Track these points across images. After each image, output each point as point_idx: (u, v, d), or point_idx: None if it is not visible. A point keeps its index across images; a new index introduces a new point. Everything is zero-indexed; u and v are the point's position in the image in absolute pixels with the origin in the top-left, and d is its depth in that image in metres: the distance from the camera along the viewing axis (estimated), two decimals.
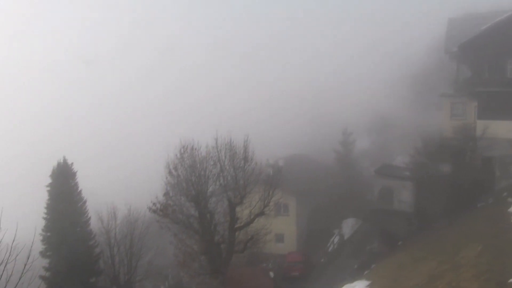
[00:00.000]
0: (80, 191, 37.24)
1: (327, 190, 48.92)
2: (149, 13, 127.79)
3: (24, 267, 18.64)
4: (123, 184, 60.28)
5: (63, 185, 36.22)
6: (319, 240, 47.22)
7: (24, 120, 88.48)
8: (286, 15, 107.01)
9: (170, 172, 31.17)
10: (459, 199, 31.14)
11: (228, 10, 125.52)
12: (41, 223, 35.45)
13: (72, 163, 36.96)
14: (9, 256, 17.85)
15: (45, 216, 35.85)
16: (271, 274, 42.25)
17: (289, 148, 57.34)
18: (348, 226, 47.02)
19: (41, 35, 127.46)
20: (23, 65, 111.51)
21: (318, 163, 56.40)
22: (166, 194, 31.51)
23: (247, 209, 32.81)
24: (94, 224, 36.94)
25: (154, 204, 31.35)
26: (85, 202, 37.37)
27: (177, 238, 33.18)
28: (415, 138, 39.37)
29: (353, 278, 30.37)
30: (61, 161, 36.74)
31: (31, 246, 19.78)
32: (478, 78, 36.62)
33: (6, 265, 17.82)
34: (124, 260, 36.13)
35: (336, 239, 46.59)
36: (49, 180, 36.25)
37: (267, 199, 32.83)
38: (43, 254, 34.73)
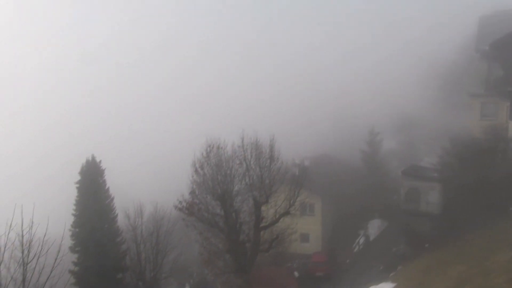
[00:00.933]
0: (108, 188, 37.75)
1: (353, 190, 48.44)
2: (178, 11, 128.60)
3: (55, 261, 19.19)
4: (150, 182, 61.01)
5: (92, 182, 36.74)
6: (344, 241, 46.87)
7: (56, 119, 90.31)
8: (313, 14, 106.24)
9: (196, 171, 31.38)
10: (489, 201, 30.44)
11: (249, 6, 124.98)
12: (71, 219, 36.08)
13: (100, 161, 37.48)
14: (41, 249, 18.43)
15: (74, 212, 36.47)
16: (296, 274, 42.24)
17: (315, 147, 57.04)
18: (374, 227, 46.56)
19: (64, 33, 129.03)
20: (52, 62, 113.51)
21: (344, 163, 55.94)
22: (192, 192, 31.73)
23: (273, 209, 32.82)
24: (121, 221, 37.42)
25: (180, 202, 31.63)
26: (112, 199, 37.86)
27: (202, 236, 33.41)
28: (443, 139, 38.72)
29: (378, 279, 30.11)
30: (90, 158, 37.28)
31: (61, 241, 20.33)
32: (511, 77, 35.75)
33: (38, 258, 18.37)
34: (150, 257, 36.49)
35: (361, 240, 46.20)
36: (78, 177, 36.83)
37: (293, 198, 32.77)
38: (72, 249, 35.37)
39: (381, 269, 35.18)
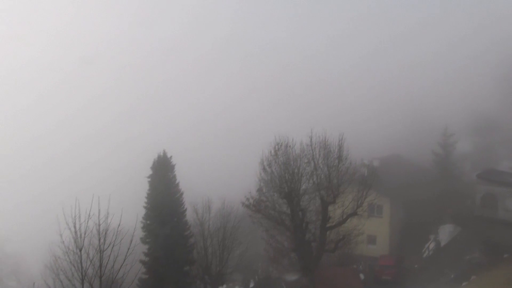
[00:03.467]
0: (178, 183, 38.65)
1: (424, 193, 46.79)
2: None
3: (128, 250, 20.15)
4: (218, 178, 62.03)
5: (163, 176, 37.76)
6: (413, 245, 45.38)
7: (131, 115, 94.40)
8: (385, 14, 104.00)
9: (264, 169, 31.56)
10: None
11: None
12: (142, 211, 37.33)
13: (171, 156, 38.47)
14: (115, 238, 19.42)
15: (145, 205, 37.68)
16: (362, 276, 41.45)
17: (385, 148, 55.75)
18: (446, 233, 44.74)
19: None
20: (128, 59, 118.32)
21: (415, 164, 54.21)
22: (259, 190, 31.95)
23: (340, 209, 32.39)
24: (189, 216, 38.22)
25: (247, 199, 31.97)
26: (182, 194, 38.74)
27: (268, 234, 33.58)
28: None
29: None
30: (161, 153, 38.36)
31: (133, 232, 21.27)
32: None
33: (113, 246, 19.36)
34: (216, 252, 37.02)
35: (431, 245, 44.58)
36: (150, 172, 37.99)
37: (361, 199, 32.21)
38: (143, 240, 36.54)
39: (452, 278, 33.84)
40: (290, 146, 31.56)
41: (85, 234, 19.41)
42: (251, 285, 45.09)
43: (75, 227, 19.34)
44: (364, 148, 48.98)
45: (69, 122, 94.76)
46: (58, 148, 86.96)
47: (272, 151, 31.69)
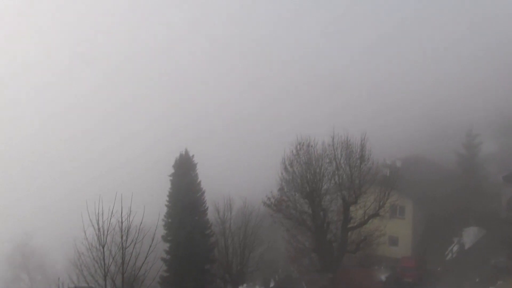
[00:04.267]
0: (200, 182, 38.84)
1: (447, 194, 46.09)
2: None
3: (149, 248, 20.40)
4: (240, 177, 62.23)
5: (184, 175, 37.99)
6: (436, 247, 44.72)
7: (154, 114, 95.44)
8: (407, 14, 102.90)
9: (285, 168, 31.60)
10: None
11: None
12: (164, 209, 37.66)
13: (193, 155, 38.69)
14: (137, 236, 19.69)
15: (167, 203, 37.99)
16: (383, 277, 41.07)
17: (408, 148, 55.04)
18: (470, 235, 43.94)
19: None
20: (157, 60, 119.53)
21: (439, 165, 53.41)
22: (280, 189, 32.01)
23: (361, 209, 32.21)
24: (210, 214, 38.37)
25: (268, 198, 32.06)
26: (203, 192, 38.91)
27: (289, 234, 33.59)
28: None
29: None
30: (183, 153, 38.61)
31: (155, 230, 21.50)
32: None
33: (135, 243, 19.63)
34: (237, 251, 37.08)
35: (455, 247, 43.85)
36: (172, 171, 38.29)
37: (383, 200, 32.00)
38: (164, 238, 36.82)
39: (477, 282, 33.26)
40: (312, 146, 31.56)
41: (108, 231, 19.70)
42: (272, 284, 45.11)
43: (98, 224, 19.64)
44: (386, 148, 48.53)
45: (94, 124, 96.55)
46: (84, 148, 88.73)
47: (294, 151, 31.73)
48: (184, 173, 37.99)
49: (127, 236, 19.91)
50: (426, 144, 57.31)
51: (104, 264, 19.81)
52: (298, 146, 31.52)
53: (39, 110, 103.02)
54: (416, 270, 40.69)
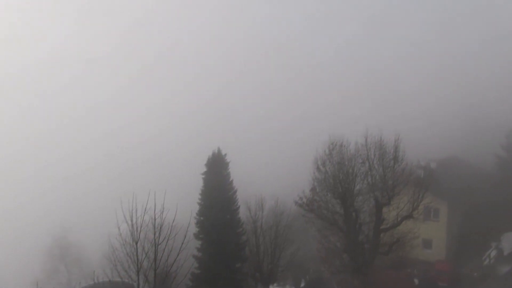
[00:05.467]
0: (232, 181, 38.99)
1: (485, 198, 44.87)
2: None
3: (181, 245, 20.67)
4: (272, 177, 62.26)
5: (216, 174, 38.19)
6: (472, 252, 43.59)
7: (189, 113, 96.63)
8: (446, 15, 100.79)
9: (318, 168, 31.51)
10: None
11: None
12: (196, 207, 38.03)
13: (225, 154, 38.88)
14: (170, 233, 19.99)
15: (199, 201, 38.32)
16: (416, 281, 40.37)
17: (443, 150, 53.96)
18: (510, 241, 42.64)
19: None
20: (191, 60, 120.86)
21: (476, 167, 52.09)
22: (313, 189, 31.93)
23: (394, 211, 31.81)
24: (242, 213, 38.52)
25: (300, 198, 32.01)
26: (235, 191, 39.04)
27: (320, 234, 33.47)
28: None
29: None
30: (216, 151, 38.85)
31: (187, 228, 21.77)
32: None
33: (167, 240, 19.95)
34: (268, 250, 37.20)
35: (493, 253, 42.62)
36: (204, 169, 38.60)
37: (416, 201, 31.52)
38: (196, 236, 37.14)
39: None
40: (344, 146, 31.37)
41: (141, 227, 20.08)
42: (302, 284, 44.95)
43: (132, 220, 20.03)
44: (421, 149, 47.73)
45: (129, 121, 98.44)
46: (119, 145, 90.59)
47: (327, 151, 31.59)
48: (217, 171, 38.19)
49: (159, 233, 20.23)
50: (463, 146, 56.06)
51: (137, 259, 20.19)
52: (331, 146, 31.38)
53: (75, 106, 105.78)
54: (451, 274, 39.85)
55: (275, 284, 39.86)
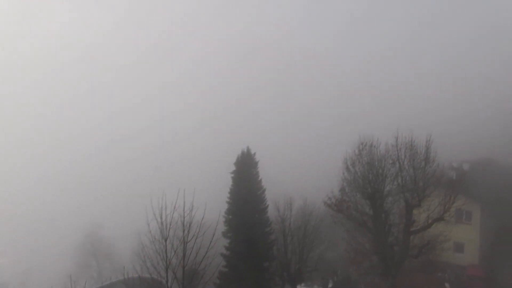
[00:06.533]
0: (261, 180, 38.99)
1: None
2: None
3: (210, 243, 20.89)
4: (301, 176, 62.09)
5: (245, 173, 38.26)
6: (507, 257, 42.39)
7: (217, 113, 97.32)
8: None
9: (347, 168, 31.28)
10: None
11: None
12: (225, 206, 38.22)
13: (254, 153, 38.93)
14: (198, 231, 20.22)
15: (228, 200, 38.47)
16: (447, 285, 39.61)
17: (477, 151, 52.65)
18: None
19: None
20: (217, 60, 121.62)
21: (511, 169, 50.66)
22: (342, 189, 31.70)
23: (425, 213, 31.28)
24: (271, 213, 38.51)
25: (329, 198, 31.82)
26: (264, 190, 39.03)
27: (349, 235, 33.19)
28: None
29: None
30: (245, 150, 38.94)
31: (216, 226, 21.97)
32: None
33: (196, 238, 20.17)
34: (296, 250, 37.13)
35: None
36: (233, 168, 38.74)
37: (448, 204, 30.90)
38: (224, 234, 37.30)
39: None
40: (374, 146, 31.02)
41: (170, 225, 20.38)
42: (330, 285, 44.67)
43: (161, 218, 20.34)
44: (453, 150, 46.72)
45: (159, 120, 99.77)
46: (149, 144, 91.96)
47: (356, 151, 31.32)
48: (245, 170, 38.27)
49: (188, 230, 20.50)
50: (497, 147, 54.61)
51: (166, 256, 20.49)
52: (361, 146, 31.09)
53: (105, 107, 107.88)
54: (484, 280, 38.91)
55: (302, 284, 39.76)
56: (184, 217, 20.44)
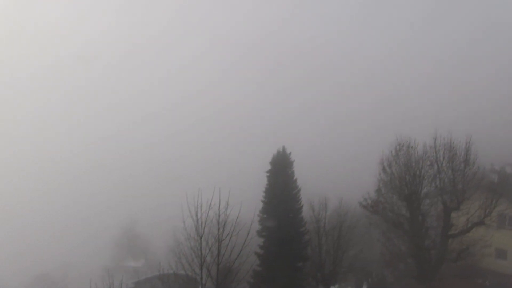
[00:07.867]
0: (296, 179, 38.91)
1: None
2: None
3: (244, 241, 21.03)
4: (337, 177, 61.63)
5: (281, 172, 38.26)
6: None
7: (254, 114, 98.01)
8: None
9: (384, 169, 30.92)
10: None
11: None
12: (260, 205, 38.31)
13: (290, 153, 38.88)
14: (233, 229, 20.39)
15: (263, 199, 38.56)
16: None
17: None
18: None
19: None
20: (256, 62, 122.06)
21: None
22: (378, 190, 31.35)
23: (464, 216, 30.52)
24: (305, 212, 38.31)
25: (365, 199, 31.54)
26: (299, 190, 38.94)
27: (385, 237, 32.78)
28: None
29: None
30: (281, 150, 38.94)
31: (251, 225, 22.10)
32: None
33: (231, 237, 20.36)
34: (331, 251, 36.79)
35: None
36: (269, 167, 38.81)
37: (489, 208, 30.08)
38: (259, 233, 37.33)
39: None
40: (412, 147, 30.51)
41: (205, 223, 20.61)
42: (364, 287, 44.17)
43: (196, 216, 20.60)
44: (495, 151, 45.42)
45: (198, 120, 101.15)
46: (187, 143, 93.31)
47: (393, 152, 30.92)
48: (281, 170, 38.27)
49: (223, 229, 20.70)
50: None
51: (201, 254, 20.74)
52: (398, 147, 30.65)
53: (150, 105, 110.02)
54: None
55: (336, 286, 39.42)
56: (219, 215, 20.66)
